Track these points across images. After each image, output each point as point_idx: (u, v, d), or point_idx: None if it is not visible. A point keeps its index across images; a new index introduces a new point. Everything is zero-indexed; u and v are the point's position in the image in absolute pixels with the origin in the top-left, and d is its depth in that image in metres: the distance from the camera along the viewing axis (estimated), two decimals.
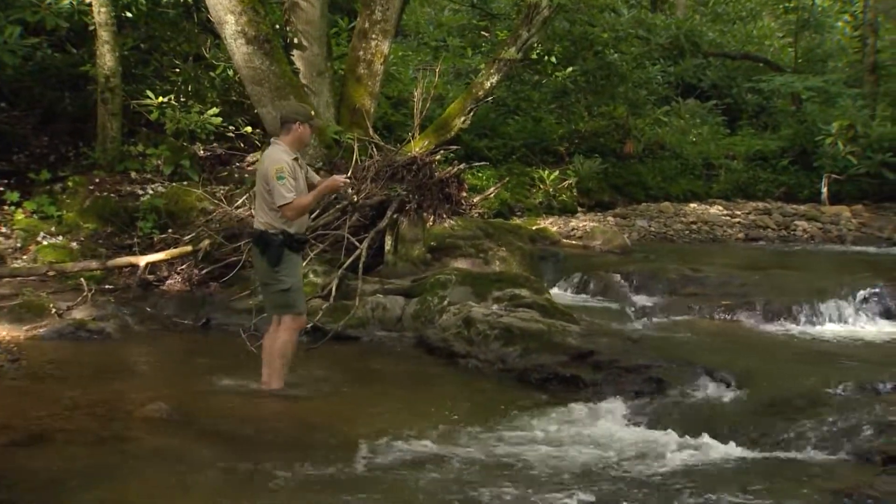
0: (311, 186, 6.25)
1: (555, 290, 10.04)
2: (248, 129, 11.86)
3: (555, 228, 14.28)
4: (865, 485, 4.39)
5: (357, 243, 9.01)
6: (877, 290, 9.21)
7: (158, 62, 12.03)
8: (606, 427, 5.68)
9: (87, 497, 4.30)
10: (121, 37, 11.16)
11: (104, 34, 10.58)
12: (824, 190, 17.37)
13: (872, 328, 8.70)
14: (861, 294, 9.13)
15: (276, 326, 6.24)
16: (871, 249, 14.05)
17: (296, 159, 6.11)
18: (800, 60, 22.34)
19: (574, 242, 13.62)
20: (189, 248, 9.28)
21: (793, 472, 4.80)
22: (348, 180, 6.08)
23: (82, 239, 9.79)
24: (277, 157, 6.02)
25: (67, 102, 11.49)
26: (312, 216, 8.65)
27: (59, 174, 10.70)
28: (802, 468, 4.92)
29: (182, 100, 11.38)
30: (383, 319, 8.30)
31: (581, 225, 14.69)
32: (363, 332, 8.08)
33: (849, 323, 8.81)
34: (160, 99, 10.85)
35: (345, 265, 8.77)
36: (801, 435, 5.32)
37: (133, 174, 10.90)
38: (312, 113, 6.35)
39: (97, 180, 10.62)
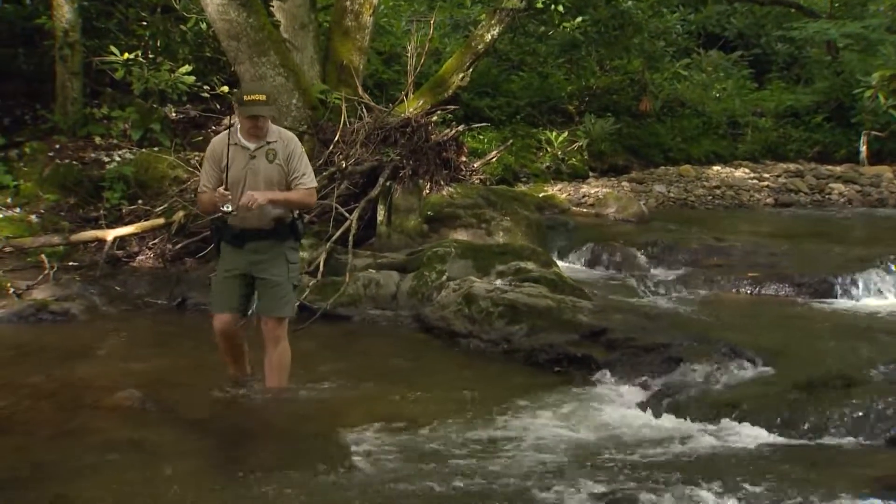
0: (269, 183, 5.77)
1: (564, 263, 10.05)
2: (225, 88, 11.77)
3: (564, 195, 14.27)
4: None
5: (347, 214, 8.99)
6: None
7: (123, 14, 11.93)
8: (621, 411, 5.72)
9: (45, 494, 4.30)
10: None
11: None
12: (863, 148, 17.31)
13: None
14: None
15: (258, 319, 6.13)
16: None
17: (236, 144, 5.69)
18: (836, 4, 22.17)
19: (585, 210, 13.62)
20: (161, 220, 9.26)
21: (826, 460, 4.83)
22: (226, 193, 5.57)
23: (42, 211, 9.76)
24: (214, 139, 5.96)
25: (22, 60, 11.42)
26: None
27: (14, 140, 10.65)
28: (836, 455, 4.94)
29: (150, 56, 11.29)
30: (376, 297, 8.30)
31: (593, 191, 14.68)
32: (354, 311, 8.08)
33: (889, 296, 8.81)
34: (126, 55, 10.76)
35: (333, 238, 8.76)
36: (834, 419, 5.33)
37: (98, 139, 10.85)
38: (248, 97, 5.60)
39: (57, 146, 10.58)
